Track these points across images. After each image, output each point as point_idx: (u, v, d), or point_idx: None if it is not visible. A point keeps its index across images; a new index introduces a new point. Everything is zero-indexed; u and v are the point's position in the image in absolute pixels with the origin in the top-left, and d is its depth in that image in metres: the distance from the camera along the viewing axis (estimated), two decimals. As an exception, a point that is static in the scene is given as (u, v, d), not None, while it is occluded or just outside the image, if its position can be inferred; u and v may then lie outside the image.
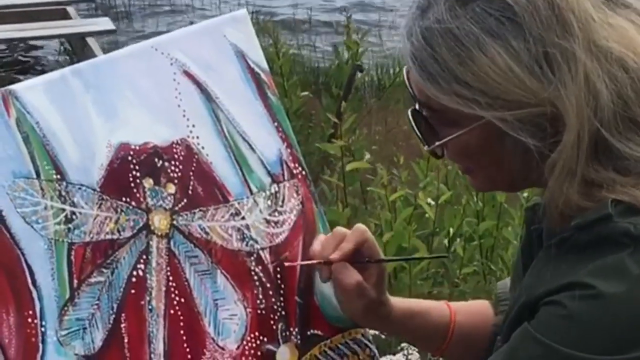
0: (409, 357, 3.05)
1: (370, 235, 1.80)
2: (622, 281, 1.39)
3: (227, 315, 1.69)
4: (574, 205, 1.44)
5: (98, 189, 1.60)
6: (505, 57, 1.40)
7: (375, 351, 1.94)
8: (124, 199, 1.63)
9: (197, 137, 1.73)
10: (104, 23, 7.77)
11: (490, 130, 1.44)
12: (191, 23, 8.94)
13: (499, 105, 1.41)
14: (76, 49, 7.73)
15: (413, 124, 1.57)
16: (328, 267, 1.78)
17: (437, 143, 1.53)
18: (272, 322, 1.75)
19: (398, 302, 1.86)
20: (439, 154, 1.57)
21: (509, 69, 1.40)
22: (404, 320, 1.85)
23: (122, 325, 1.59)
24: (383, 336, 2.96)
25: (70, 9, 7.95)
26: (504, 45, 1.40)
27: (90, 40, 7.24)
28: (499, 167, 1.51)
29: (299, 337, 1.78)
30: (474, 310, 1.91)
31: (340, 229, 1.82)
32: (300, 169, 1.84)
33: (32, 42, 8.63)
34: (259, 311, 1.74)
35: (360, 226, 1.81)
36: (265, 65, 1.86)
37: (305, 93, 5.72)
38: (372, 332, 1.97)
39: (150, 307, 1.62)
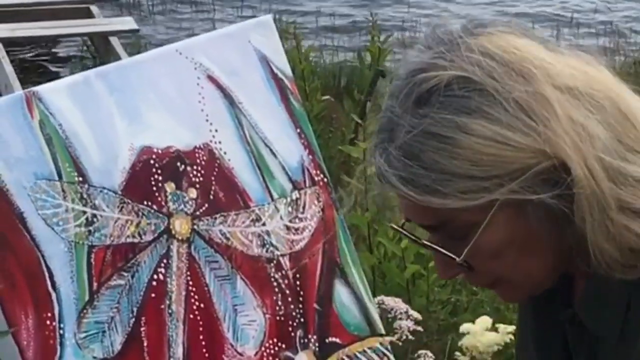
0: (425, 365, 3.08)
1: None
2: None
3: (246, 321, 1.71)
4: (633, 235, 1.38)
5: (120, 192, 1.61)
6: (489, 127, 1.34)
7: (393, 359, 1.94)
8: (145, 202, 1.64)
9: (220, 142, 1.75)
10: (127, 22, 7.83)
11: (509, 210, 1.36)
12: (213, 24, 8.94)
13: (506, 180, 1.34)
14: (99, 48, 7.80)
15: (434, 248, 1.47)
16: None
17: (465, 250, 1.41)
18: (290, 329, 1.76)
19: None
20: (473, 265, 1.45)
21: (497, 135, 1.34)
22: None
23: (142, 329, 1.59)
24: (400, 343, 2.94)
25: (94, 8, 8.02)
26: (482, 116, 1.34)
27: (113, 40, 7.31)
28: (532, 252, 1.43)
29: (317, 344, 1.80)
30: None
31: None
32: (321, 175, 1.87)
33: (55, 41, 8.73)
34: (277, 318, 1.75)
35: None
36: (289, 71, 1.88)
37: (327, 97, 5.74)
38: (388, 338, 1.96)
39: (170, 311, 1.62)
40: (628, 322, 1.46)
